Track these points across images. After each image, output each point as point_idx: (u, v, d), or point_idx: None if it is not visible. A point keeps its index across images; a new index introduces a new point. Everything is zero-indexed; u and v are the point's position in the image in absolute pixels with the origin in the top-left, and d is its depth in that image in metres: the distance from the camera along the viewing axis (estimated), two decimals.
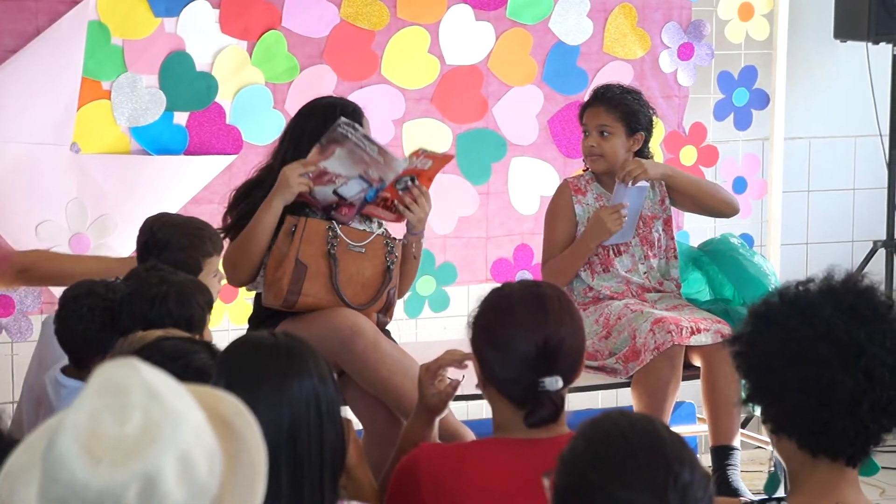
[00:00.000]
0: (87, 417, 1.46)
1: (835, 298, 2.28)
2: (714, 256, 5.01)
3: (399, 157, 4.17)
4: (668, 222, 4.93)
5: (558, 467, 1.81)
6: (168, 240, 3.94)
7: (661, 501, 1.70)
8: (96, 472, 1.44)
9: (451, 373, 3.08)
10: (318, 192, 4.08)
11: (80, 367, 3.51)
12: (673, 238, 4.94)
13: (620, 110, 4.77)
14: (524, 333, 2.72)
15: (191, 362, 2.64)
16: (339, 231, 4.10)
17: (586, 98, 4.99)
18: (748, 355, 2.33)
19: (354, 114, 4.18)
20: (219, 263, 4.06)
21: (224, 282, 4.13)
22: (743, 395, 2.39)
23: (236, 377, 2.31)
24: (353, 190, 4.10)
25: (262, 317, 4.22)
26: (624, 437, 1.76)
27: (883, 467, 3.27)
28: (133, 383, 1.49)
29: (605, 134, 4.76)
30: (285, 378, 2.31)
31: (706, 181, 5.15)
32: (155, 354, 2.59)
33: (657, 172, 4.79)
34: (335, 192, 4.09)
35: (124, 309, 3.33)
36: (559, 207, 4.89)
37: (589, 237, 4.76)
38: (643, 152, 4.84)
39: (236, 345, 2.47)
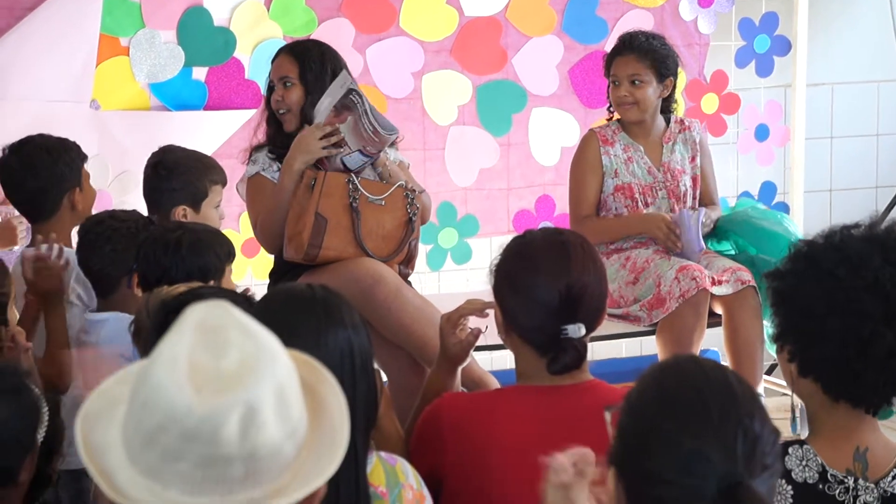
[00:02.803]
0: (185, 352, 1.47)
1: (883, 249, 2.27)
2: (731, 226, 4.96)
3: (387, 135, 4.16)
4: (695, 180, 4.91)
5: (624, 408, 1.81)
6: (176, 161, 4.08)
7: (728, 454, 1.69)
8: (199, 399, 1.44)
9: (473, 322, 3.08)
10: (331, 158, 4.13)
11: (107, 295, 3.58)
12: (696, 198, 4.91)
13: (650, 57, 4.74)
14: (547, 280, 2.71)
15: None
16: (358, 184, 4.11)
17: (610, 47, 4.94)
18: (788, 295, 2.32)
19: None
20: (221, 195, 4.15)
21: (223, 218, 4.22)
22: (771, 330, 2.38)
23: (272, 329, 2.31)
24: (356, 162, 4.14)
25: (283, 270, 4.23)
26: (697, 388, 1.75)
27: None
28: (227, 322, 1.50)
29: (637, 83, 4.73)
30: (321, 330, 2.30)
31: None
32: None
33: None
34: (341, 161, 4.13)
35: (140, 252, 3.36)
36: (587, 159, 4.84)
37: (635, 230, 4.74)
38: (671, 98, 4.82)
39: (272, 296, 2.48)
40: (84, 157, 4.07)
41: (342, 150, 4.11)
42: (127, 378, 1.56)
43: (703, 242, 4.67)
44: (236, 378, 1.45)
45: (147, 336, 2.78)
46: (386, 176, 4.20)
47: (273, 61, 4.37)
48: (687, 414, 1.73)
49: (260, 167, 4.30)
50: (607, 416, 1.95)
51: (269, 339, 1.52)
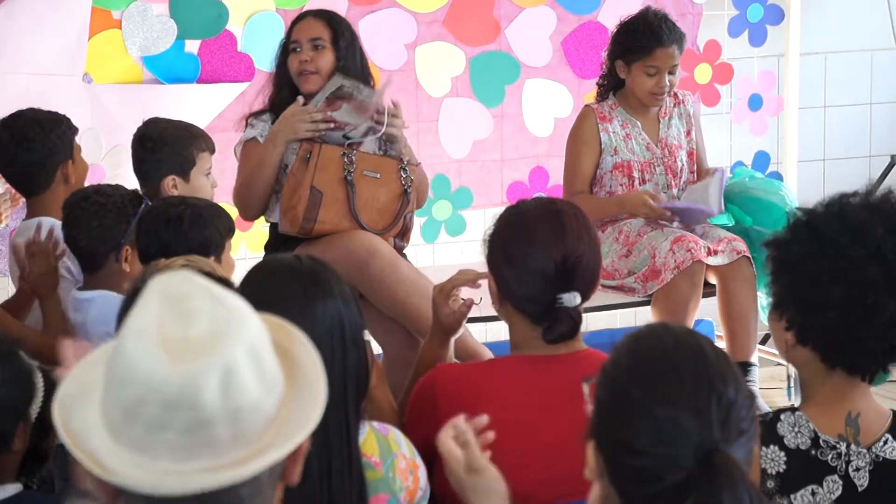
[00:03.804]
0: (153, 323, 1.47)
1: (884, 218, 2.28)
2: (727, 197, 4.97)
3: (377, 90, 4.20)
4: (691, 154, 4.91)
5: (600, 379, 1.80)
6: (161, 133, 4.07)
7: (702, 420, 1.68)
8: (174, 367, 1.44)
9: (466, 293, 3.08)
10: (329, 137, 4.14)
11: (93, 271, 3.58)
12: (693, 171, 4.92)
13: (682, 44, 4.75)
14: (542, 250, 2.71)
15: None
16: (353, 157, 4.11)
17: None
18: (791, 264, 2.31)
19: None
20: (210, 162, 4.14)
21: (216, 186, 4.21)
22: (767, 300, 2.39)
23: (260, 300, 2.29)
24: (360, 132, 4.16)
25: (277, 243, 4.24)
26: (668, 355, 1.73)
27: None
28: (192, 289, 1.50)
29: (673, 72, 4.73)
30: (309, 300, 2.31)
31: None
32: None
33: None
34: (345, 136, 4.15)
35: (141, 227, 3.37)
36: (585, 136, 4.82)
37: (621, 205, 4.73)
38: None
39: (260, 268, 2.47)
40: (75, 130, 4.07)
41: (329, 131, 4.11)
42: (98, 361, 1.57)
43: (721, 205, 4.66)
44: (209, 342, 1.46)
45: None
46: (399, 152, 4.20)
47: (295, 24, 4.33)
48: (658, 382, 1.71)
49: (258, 132, 4.28)
50: (585, 388, 1.96)
51: (236, 302, 1.52)
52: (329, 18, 4.32)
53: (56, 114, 4.04)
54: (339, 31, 4.28)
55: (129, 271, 3.46)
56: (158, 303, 1.48)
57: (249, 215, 4.35)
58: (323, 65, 4.24)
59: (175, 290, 1.50)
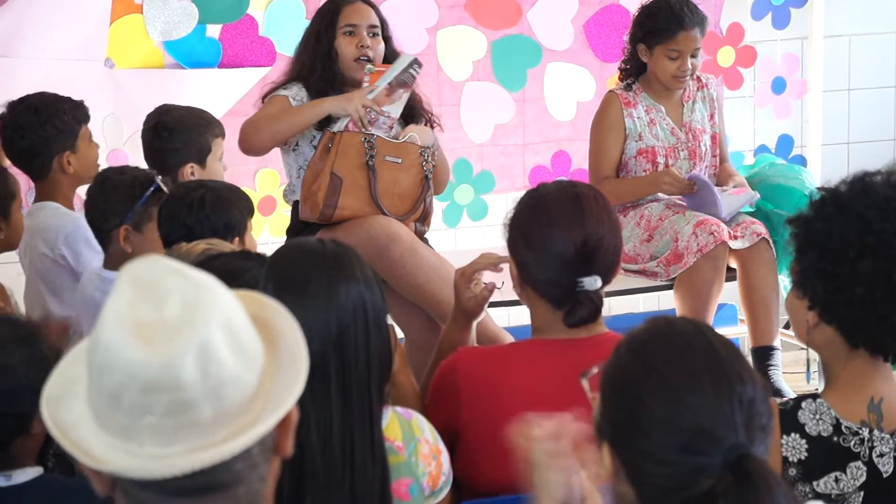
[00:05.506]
0: (127, 309, 1.47)
1: None
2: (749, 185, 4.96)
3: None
4: (714, 138, 4.89)
5: (606, 383, 1.77)
6: (177, 121, 4.08)
7: (727, 425, 1.65)
8: (151, 351, 1.45)
9: (488, 277, 3.07)
10: (375, 129, 4.15)
11: (106, 248, 3.65)
12: (716, 156, 4.90)
13: (705, 27, 4.74)
14: (562, 233, 2.71)
15: (244, 283, 2.64)
16: (374, 143, 4.10)
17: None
18: (817, 240, 2.30)
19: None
20: (222, 147, 4.15)
21: (227, 169, 4.20)
22: (789, 277, 2.38)
23: (284, 282, 2.31)
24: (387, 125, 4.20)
25: (299, 228, 4.23)
26: (682, 361, 1.70)
27: None
28: (161, 272, 1.50)
29: (695, 55, 4.72)
30: (333, 283, 2.31)
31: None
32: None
33: None
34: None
35: (163, 212, 3.37)
36: (610, 121, 4.81)
37: (649, 184, 4.73)
38: None
39: (284, 251, 2.47)
40: (82, 118, 4.05)
41: (370, 123, 4.11)
42: (80, 355, 1.57)
43: (725, 211, 4.65)
44: (183, 322, 1.47)
45: None
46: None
47: (345, 6, 4.30)
48: (678, 390, 1.67)
49: (292, 94, 4.23)
50: (585, 383, 1.93)
51: (207, 279, 1.52)
52: (377, 10, 4.36)
53: (63, 101, 4.03)
54: (384, 24, 4.33)
55: (131, 252, 3.48)
56: (130, 289, 1.49)
57: (249, 145, 4.17)
58: (377, 54, 4.27)
59: (144, 274, 1.50)
